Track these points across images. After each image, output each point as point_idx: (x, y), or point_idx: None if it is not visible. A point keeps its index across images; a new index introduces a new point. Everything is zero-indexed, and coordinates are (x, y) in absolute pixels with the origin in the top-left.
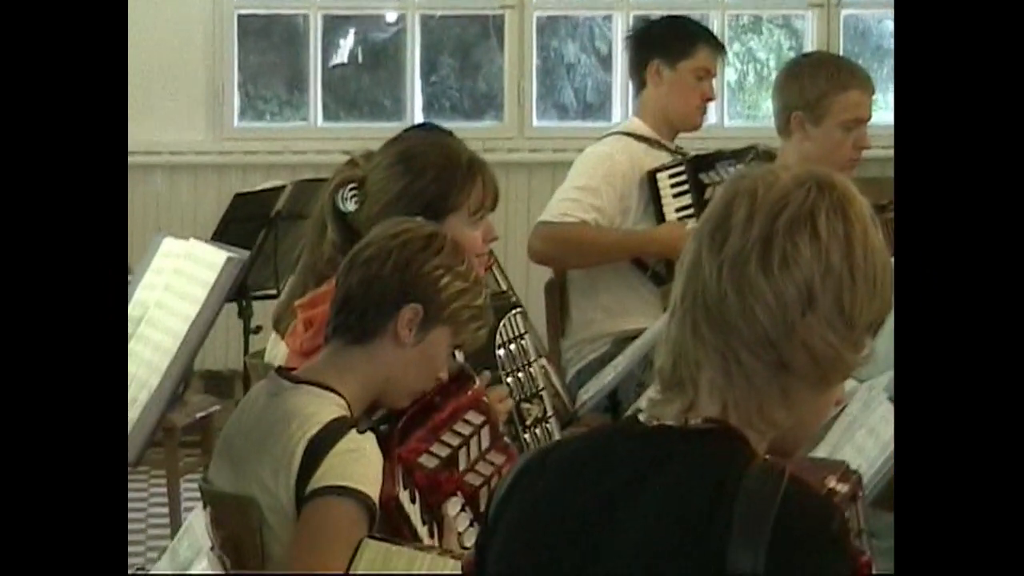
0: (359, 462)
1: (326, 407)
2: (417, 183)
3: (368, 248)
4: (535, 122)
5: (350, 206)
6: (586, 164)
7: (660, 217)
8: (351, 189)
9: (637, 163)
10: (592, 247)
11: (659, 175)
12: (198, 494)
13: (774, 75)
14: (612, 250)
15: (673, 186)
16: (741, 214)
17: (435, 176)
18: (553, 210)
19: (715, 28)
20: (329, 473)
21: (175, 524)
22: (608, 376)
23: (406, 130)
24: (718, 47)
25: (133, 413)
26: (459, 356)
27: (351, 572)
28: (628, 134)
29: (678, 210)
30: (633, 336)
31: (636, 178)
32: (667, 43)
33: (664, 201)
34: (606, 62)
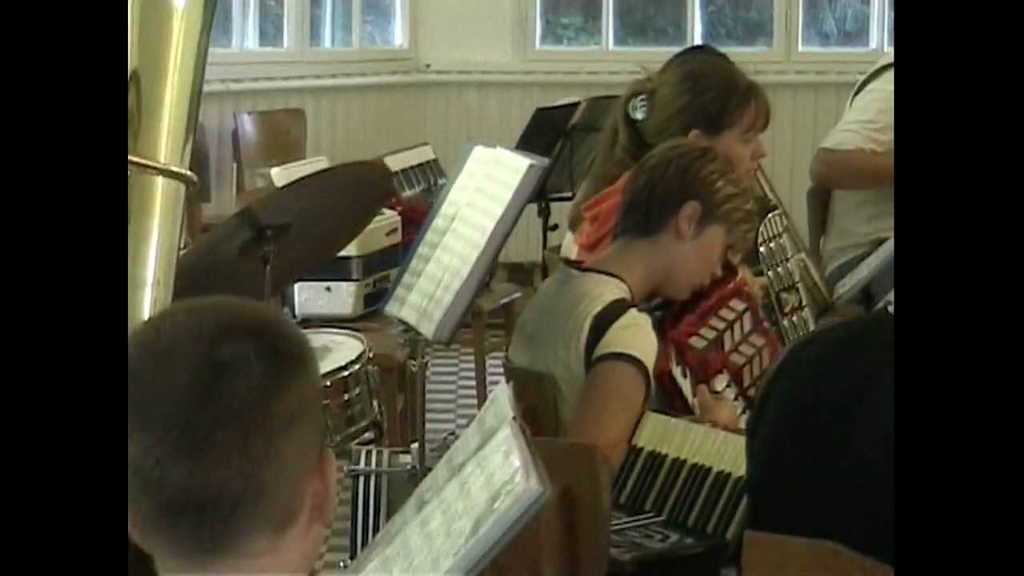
0: (638, 335)
1: (610, 289)
2: (699, 99)
3: (652, 158)
4: (800, 48)
5: (639, 114)
6: (871, 100)
7: None
8: (642, 99)
9: None
10: (868, 172)
11: None
12: (502, 370)
13: None
14: (886, 174)
15: None
16: None
17: (716, 95)
18: (833, 138)
19: None
20: (612, 342)
21: (481, 396)
22: (863, 272)
23: (686, 50)
24: None
25: (447, 298)
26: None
27: (635, 440)
28: None
29: None
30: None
31: None
32: None
33: None
34: None
